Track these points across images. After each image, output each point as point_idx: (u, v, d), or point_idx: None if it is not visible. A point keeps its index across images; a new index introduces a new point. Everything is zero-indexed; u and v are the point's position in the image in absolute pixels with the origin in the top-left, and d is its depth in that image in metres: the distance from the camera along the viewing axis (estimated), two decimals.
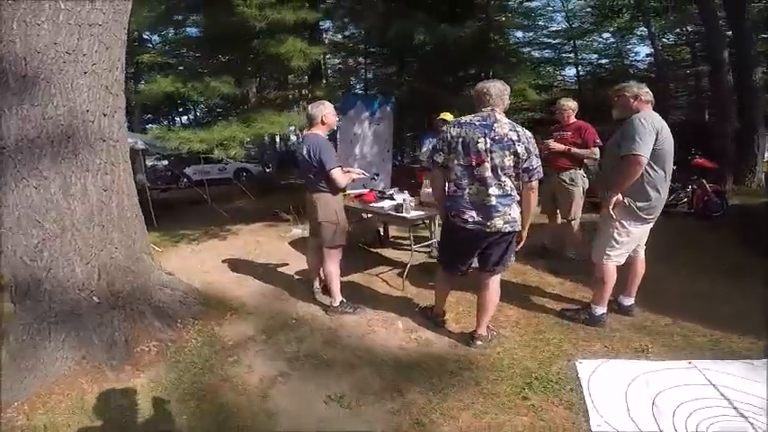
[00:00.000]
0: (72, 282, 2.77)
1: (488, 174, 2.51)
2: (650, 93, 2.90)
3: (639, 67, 20.81)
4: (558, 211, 4.36)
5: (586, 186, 4.18)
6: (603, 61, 21.12)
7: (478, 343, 2.85)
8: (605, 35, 19.61)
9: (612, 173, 2.92)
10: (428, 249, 4.97)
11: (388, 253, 5.34)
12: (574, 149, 4.04)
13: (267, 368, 2.79)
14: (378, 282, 4.30)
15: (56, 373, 2.59)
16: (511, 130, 2.53)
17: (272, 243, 6.12)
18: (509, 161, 2.51)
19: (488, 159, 2.49)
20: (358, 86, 17.24)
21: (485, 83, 2.65)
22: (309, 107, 3.35)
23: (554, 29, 18.50)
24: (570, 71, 21.14)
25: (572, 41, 19.12)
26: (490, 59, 11.11)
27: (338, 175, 3.22)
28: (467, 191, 2.58)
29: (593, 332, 3.04)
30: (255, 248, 5.85)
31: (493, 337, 2.93)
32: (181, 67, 7.60)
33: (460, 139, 2.54)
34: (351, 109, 6.89)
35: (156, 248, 5.82)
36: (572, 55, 20.23)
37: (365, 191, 5.22)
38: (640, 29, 18.32)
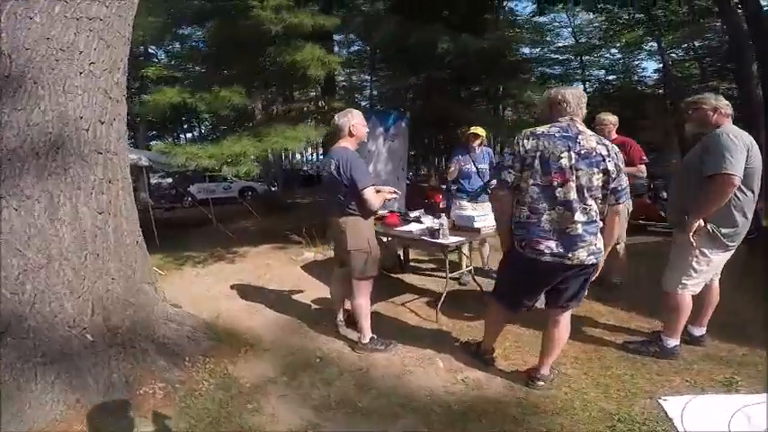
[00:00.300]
0: (61, 318, 2.34)
1: (574, 196, 2.09)
2: (730, 105, 2.59)
3: (648, 83, 20.64)
4: None
5: (631, 208, 3.88)
6: (611, 77, 20.95)
7: (540, 383, 2.50)
8: (613, 51, 19.48)
9: (690, 194, 2.56)
10: (457, 276, 4.57)
11: (410, 279, 4.90)
12: None
13: (293, 417, 2.35)
14: (405, 312, 3.86)
15: (45, 418, 2.19)
16: (598, 143, 2.14)
17: (283, 267, 5.67)
18: (597, 180, 2.10)
19: (573, 178, 2.07)
20: (363, 103, 17.03)
21: (558, 89, 2.28)
22: (336, 117, 2.96)
23: (561, 44, 18.37)
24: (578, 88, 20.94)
25: (579, 57, 18.97)
26: (501, 74, 10.87)
27: (371, 195, 2.81)
28: (545, 216, 2.15)
29: (666, 366, 2.72)
30: (266, 273, 5.40)
31: (555, 377, 2.57)
32: (187, 81, 7.29)
33: (538, 154, 2.11)
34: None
35: (159, 272, 5.46)
36: (579, 71, 20.06)
37: (385, 212, 4.80)
38: (650, 44, 18.17)
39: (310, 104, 5.18)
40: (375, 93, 16.68)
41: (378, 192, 2.95)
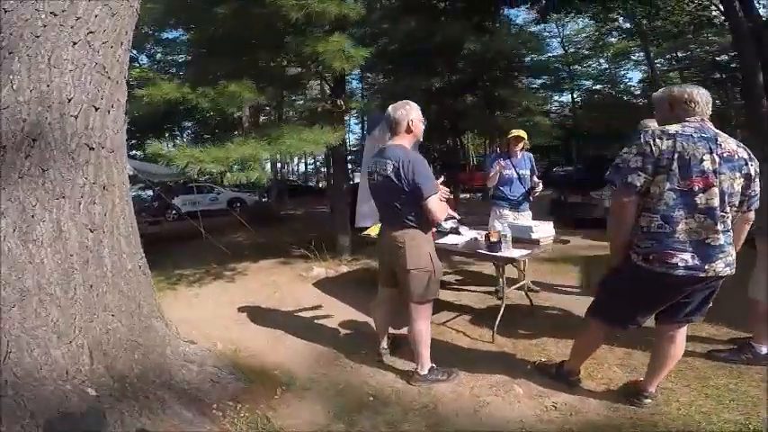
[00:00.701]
0: (48, 369, 1.76)
1: (717, 202, 1.85)
2: None
3: (635, 93, 20.88)
4: None
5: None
6: (598, 87, 21.14)
7: (647, 401, 2.28)
8: (600, 60, 19.66)
9: None
10: (493, 290, 4.21)
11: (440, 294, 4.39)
12: None
13: None
14: (449, 332, 3.37)
15: None
16: (738, 145, 1.94)
17: (292, 285, 5.07)
18: (738, 185, 1.91)
19: (716, 183, 1.85)
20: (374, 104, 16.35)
21: (682, 87, 2.03)
22: (391, 110, 2.46)
23: (550, 54, 18.42)
24: (565, 97, 21.09)
25: (569, 66, 19.04)
26: (502, 81, 10.63)
27: (437, 205, 2.35)
28: (681, 225, 1.89)
29: (765, 372, 2.53)
30: (275, 292, 4.80)
31: (657, 392, 2.36)
32: (185, 74, 6.63)
33: (676, 155, 1.85)
34: (376, 127, 6.00)
35: None
36: (568, 80, 20.18)
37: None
38: (637, 54, 18.37)
39: (327, 104, 4.60)
40: (384, 95, 16.13)
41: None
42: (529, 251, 3.08)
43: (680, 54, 19.16)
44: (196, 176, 4.60)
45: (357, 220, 5.83)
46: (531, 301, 3.71)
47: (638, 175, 1.90)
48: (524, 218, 4.01)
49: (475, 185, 16.26)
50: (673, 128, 1.91)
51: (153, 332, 2.19)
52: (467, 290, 4.51)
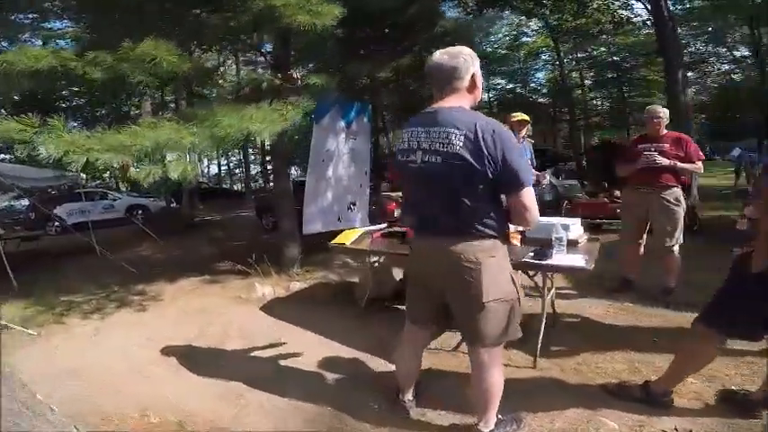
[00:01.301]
0: None
1: None
2: None
3: (544, 92, 22.06)
4: (643, 237, 3.76)
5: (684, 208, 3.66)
6: (510, 86, 22.02)
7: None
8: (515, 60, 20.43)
9: None
10: None
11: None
12: (680, 164, 3.48)
13: None
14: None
15: None
16: None
17: (231, 311, 3.95)
18: None
19: None
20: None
21: None
22: (442, 57, 1.64)
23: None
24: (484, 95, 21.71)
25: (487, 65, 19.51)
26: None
27: (533, 199, 1.59)
28: None
29: None
30: (209, 323, 3.66)
31: None
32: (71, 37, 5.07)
33: None
34: (325, 116, 5.06)
35: (28, 332, 3.61)
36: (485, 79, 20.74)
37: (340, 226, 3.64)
38: (548, 53, 19.31)
39: (277, 77, 3.53)
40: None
41: None
42: (587, 256, 2.42)
43: (580, 54, 20.56)
44: (84, 177, 3.29)
45: (304, 226, 4.87)
46: (554, 309, 3.17)
47: None
48: None
49: None
50: None
51: None
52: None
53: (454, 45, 1.70)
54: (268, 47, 5.06)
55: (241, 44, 4.77)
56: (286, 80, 3.60)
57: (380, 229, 3.62)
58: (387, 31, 5.65)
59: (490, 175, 1.52)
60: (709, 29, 16.92)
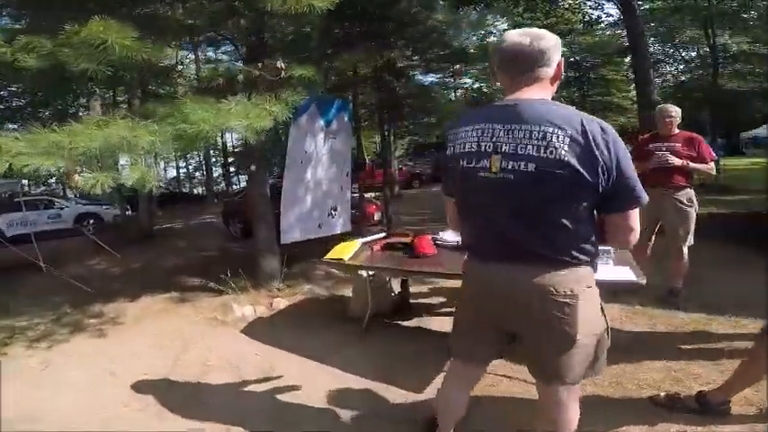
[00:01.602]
0: None
1: None
2: None
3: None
4: (652, 238, 3.71)
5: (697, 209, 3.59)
6: (478, 85, 22.07)
7: None
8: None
9: None
10: None
11: (431, 323, 3.32)
12: (692, 164, 3.41)
13: None
14: (497, 380, 2.35)
15: None
16: None
17: (208, 336, 3.47)
18: None
19: None
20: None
21: None
22: (525, 38, 1.26)
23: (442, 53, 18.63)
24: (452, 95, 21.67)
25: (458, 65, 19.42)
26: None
27: (638, 218, 1.28)
28: None
29: None
30: (184, 351, 3.18)
31: None
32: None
33: None
34: (303, 114, 4.60)
35: None
36: (451, 80, 20.71)
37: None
38: None
39: (256, 68, 3.04)
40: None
41: None
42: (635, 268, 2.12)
43: None
44: (25, 184, 2.71)
45: (282, 235, 4.40)
46: None
47: None
48: None
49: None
50: None
51: None
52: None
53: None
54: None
55: (214, 33, 4.21)
56: (269, 71, 3.12)
57: (379, 240, 3.24)
58: (374, 23, 5.26)
59: (601, 188, 1.17)
60: (661, 29, 17.57)
